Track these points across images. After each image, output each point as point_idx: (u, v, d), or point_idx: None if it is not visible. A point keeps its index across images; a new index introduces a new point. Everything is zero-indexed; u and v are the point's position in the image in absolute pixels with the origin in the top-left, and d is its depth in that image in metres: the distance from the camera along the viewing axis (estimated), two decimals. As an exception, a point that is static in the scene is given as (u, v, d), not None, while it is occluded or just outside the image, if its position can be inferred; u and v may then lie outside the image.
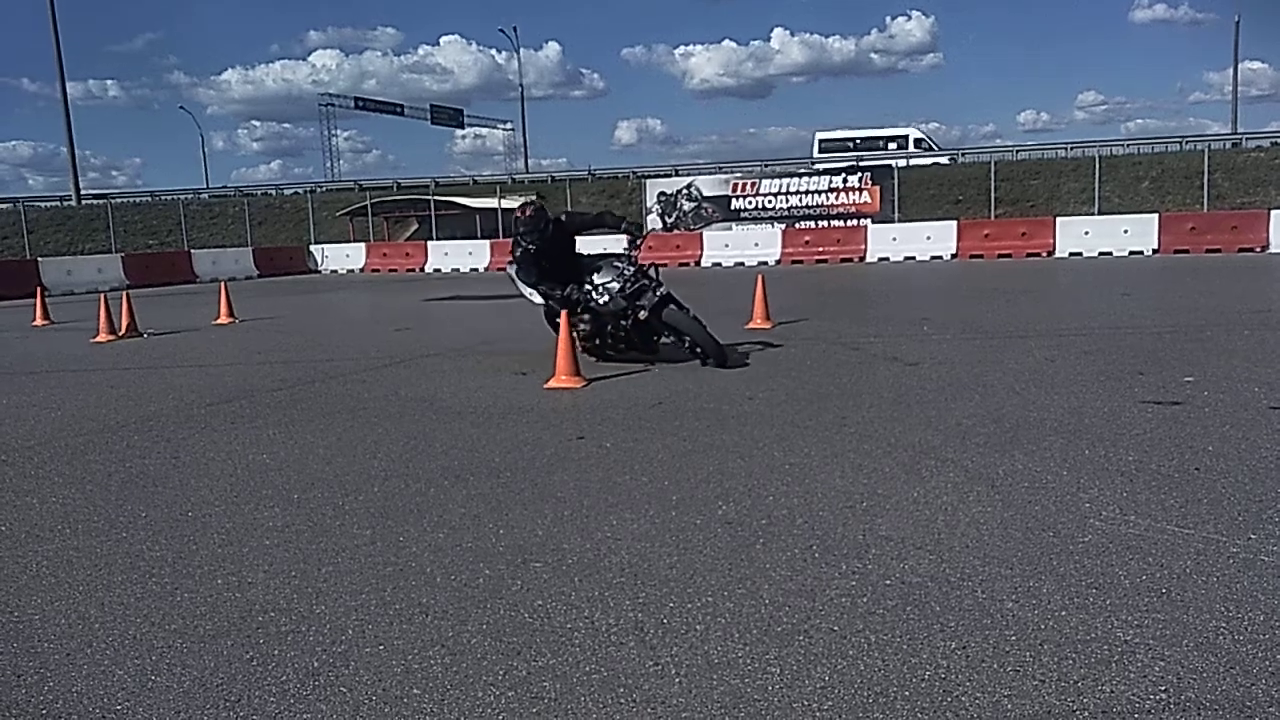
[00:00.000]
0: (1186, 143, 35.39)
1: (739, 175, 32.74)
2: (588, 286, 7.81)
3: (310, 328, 13.62)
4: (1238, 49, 51.36)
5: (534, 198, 8.37)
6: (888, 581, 3.19)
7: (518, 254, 8.04)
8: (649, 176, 35.84)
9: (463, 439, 5.59)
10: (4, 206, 43.73)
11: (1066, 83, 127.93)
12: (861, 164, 32.66)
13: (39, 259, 26.25)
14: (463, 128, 66.62)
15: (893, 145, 40.56)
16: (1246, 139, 35.67)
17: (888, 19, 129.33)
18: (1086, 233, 23.23)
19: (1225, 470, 4.31)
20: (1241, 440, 4.83)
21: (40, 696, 2.65)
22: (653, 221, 31.92)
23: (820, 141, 42.80)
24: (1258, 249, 21.00)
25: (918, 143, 41.06)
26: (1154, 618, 2.82)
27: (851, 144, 41.22)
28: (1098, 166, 29.01)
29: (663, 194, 32.26)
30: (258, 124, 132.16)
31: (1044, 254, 23.04)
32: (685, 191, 31.98)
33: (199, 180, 64.52)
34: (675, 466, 4.79)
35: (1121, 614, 2.86)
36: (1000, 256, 23.09)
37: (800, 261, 25.05)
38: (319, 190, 45.88)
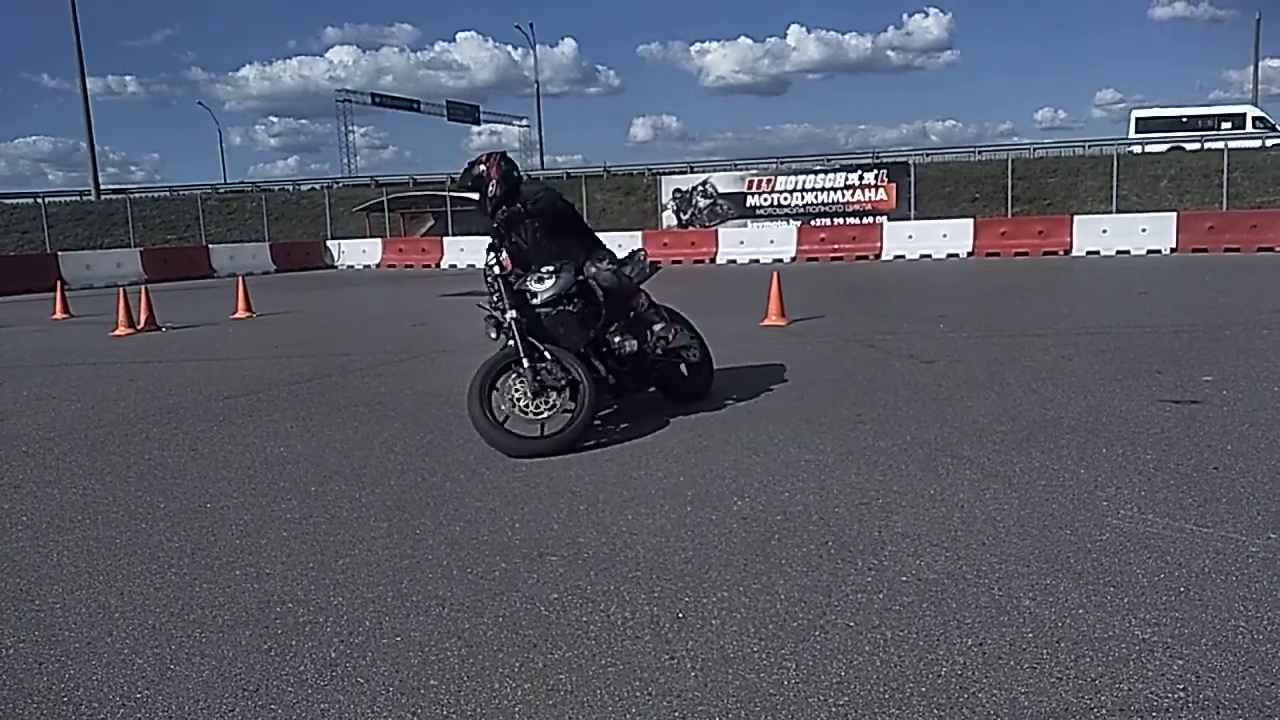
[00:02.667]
0: (1205, 141, 35.09)
1: (754, 172, 32.67)
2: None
3: (327, 322, 13.69)
4: (1258, 47, 51.10)
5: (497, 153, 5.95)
6: (904, 578, 3.19)
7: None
8: (664, 173, 35.81)
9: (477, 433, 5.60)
10: (24, 201, 44.03)
11: (1084, 80, 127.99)
12: (878, 161, 32.57)
13: (59, 253, 26.44)
14: (479, 124, 66.87)
15: (1226, 125, 35.90)
16: (1266, 138, 35.34)
17: (905, 16, 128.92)
18: (1104, 231, 23.10)
19: (1244, 469, 4.28)
20: (1261, 439, 4.80)
21: (61, 685, 2.68)
22: (668, 218, 31.94)
23: (1137, 120, 38.44)
24: (1277, 248, 20.81)
25: (1257, 122, 36.15)
26: (1172, 616, 2.81)
27: (1176, 123, 36.48)
28: (1115, 164, 28.82)
29: (678, 191, 32.24)
30: (275, 120, 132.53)
31: (1061, 252, 22.92)
32: (701, 188, 31.94)
33: (216, 176, 65.05)
34: (690, 462, 4.80)
35: (1139, 612, 2.84)
36: (1017, 255, 22.98)
37: (815, 259, 25.00)
38: (336, 186, 46.07)
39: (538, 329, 5.39)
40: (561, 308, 5.47)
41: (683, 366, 6.18)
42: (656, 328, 5.91)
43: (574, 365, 5.29)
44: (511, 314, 5.34)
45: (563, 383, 5.26)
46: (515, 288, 5.47)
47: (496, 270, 5.50)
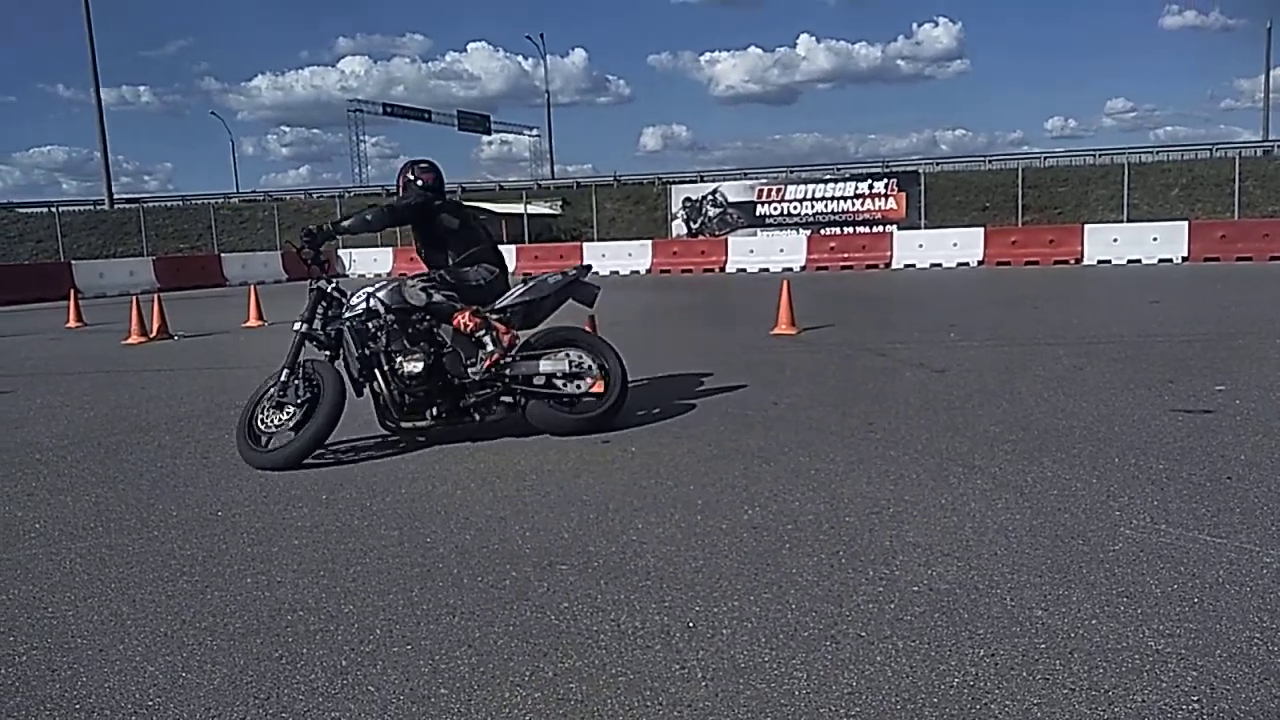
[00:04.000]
0: (1217, 150, 35.01)
1: (764, 181, 32.72)
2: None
3: (337, 331, 13.70)
4: (1269, 55, 50.77)
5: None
6: (915, 588, 3.18)
7: None
8: (674, 182, 35.89)
9: (488, 441, 5.61)
10: (39, 210, 44.44)
11: (1095, 90, 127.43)
12: (888, 170, 32.57)
13: (72, 262, 26.64)
14: (489, 134, 67.04)
15: None
16: (1278, 146, 35.23)
17: (914, 26, 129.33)
18: (1115, 240, 23.03)
19: (1258, 479, 4.25)
20: (1274, 449, 4.77)
21: (74, 691, 2.69)
22: (678, 227, 31.99)
23: None
24: (1291, 257, 20.70)
25: None
26: (1186, 627, 2.79)
27: None
28: (1126, 173, 28.77)
29: (688, 200, 32.30)
30: (287, 130, 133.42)
31: (1072, 261, 22.84)
32: (710, 197, 32.00)
33: (229, 185, 65.25)
34: (701, 471, 4.79)
35: (1153, 623, 2.83)
36: (1027, 264, 22.91)
37: (825, 268, 24.97)
38: (347, 195, 46.27)
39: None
40: (350, 324, 5.62)
41: (576, 399, 5.74)
42: (484, 350, 5.64)
43: (327, 381, 5.37)
44: (297, 326, 5.62)
45: (300, 400, 5.34)
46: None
47: (322, 283, 5.75)
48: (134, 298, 13.59)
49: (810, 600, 3.11)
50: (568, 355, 5.77)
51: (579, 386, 5.74)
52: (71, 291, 17.11)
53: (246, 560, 3.72)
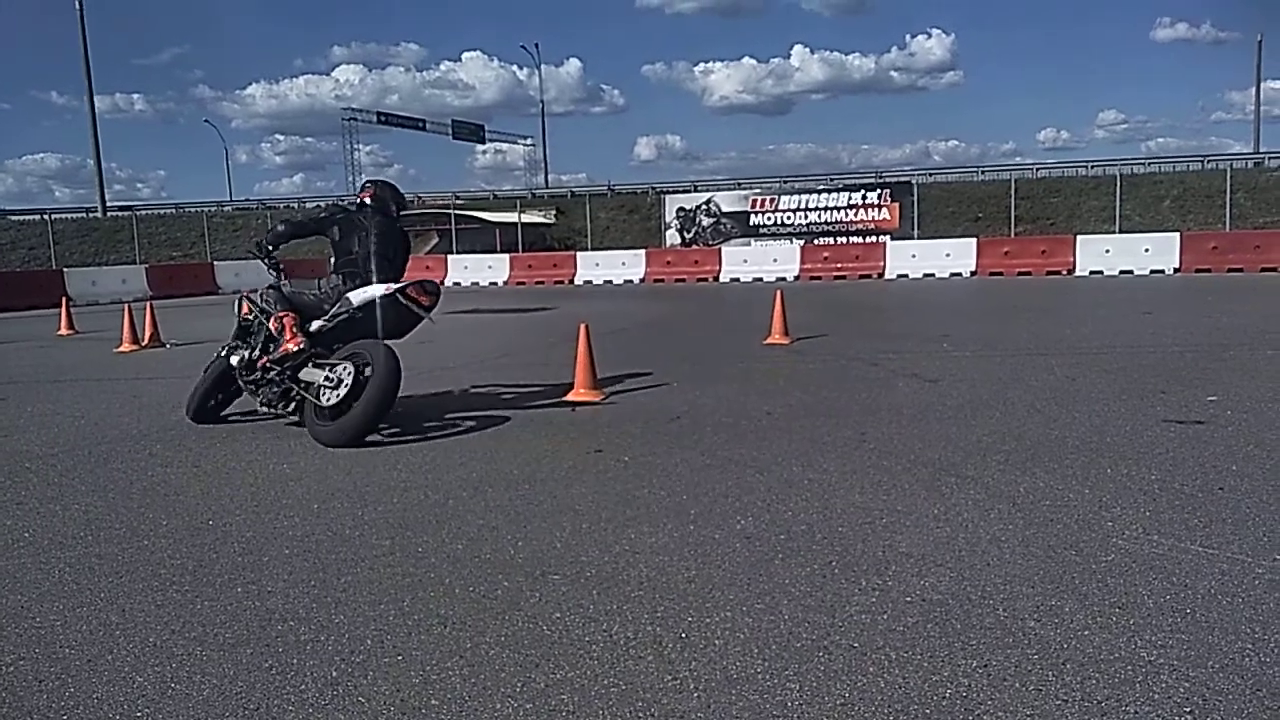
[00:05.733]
0: (1208, 162, 35.21)
1: (758, 191, 32.80)
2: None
3: (330, 339, 13.67)
4: (1260, 68, 51.35)
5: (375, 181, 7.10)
6: (908, 598, 3.17)
7: None
8: (668, 192, 35.97)
9: (481, 450, 5.60)
10: (31, 217, 44.33)
11: (1087, 101, 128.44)
12: (882, 180, 32.70)
13: (64, 269, 26.58)
14: (484, 143, 66.86)
15: None
16: (1269, 158, 35.50)
17: (908, 37, 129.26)
18: (1107, 251, 23.11)
19: (1250, 490, 4.26)
20: (1266, 460, 4.78)
21: (61, 702, 2.67)
22: (672, 237, 32.05)
23: None
24: (1281, 268, 20.80)
25: None
26: (1178, 638, 2.79)
27: None
28: (1119, 185, 28.90)
29: (682, 209, 32.39)
30: (281, 138, 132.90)
31: (1064, 272, 22.91)
32: (704, 207, 32.11)
33: (222, 193, 65.22)
34: (693, 481, 4.78)
35: (1145, 634, 2.83)
36: (1020, 274, 22.99)
37: (819, 278, 25.02)
38: (341, 204, 46.25)
39: None
40: (240, 323, 6.74)
41: (332, 409, 5.85)
42: (271, 350, 6.23)
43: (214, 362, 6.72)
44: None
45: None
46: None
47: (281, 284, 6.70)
48: (126, 305, 13.58)
49: (803, 610, 3.10)
50: (330, 367, 5.95)
51: (329, 399, 5.88)
52: (64, 299, 17.04)
53: (237, 570, 3.70)
